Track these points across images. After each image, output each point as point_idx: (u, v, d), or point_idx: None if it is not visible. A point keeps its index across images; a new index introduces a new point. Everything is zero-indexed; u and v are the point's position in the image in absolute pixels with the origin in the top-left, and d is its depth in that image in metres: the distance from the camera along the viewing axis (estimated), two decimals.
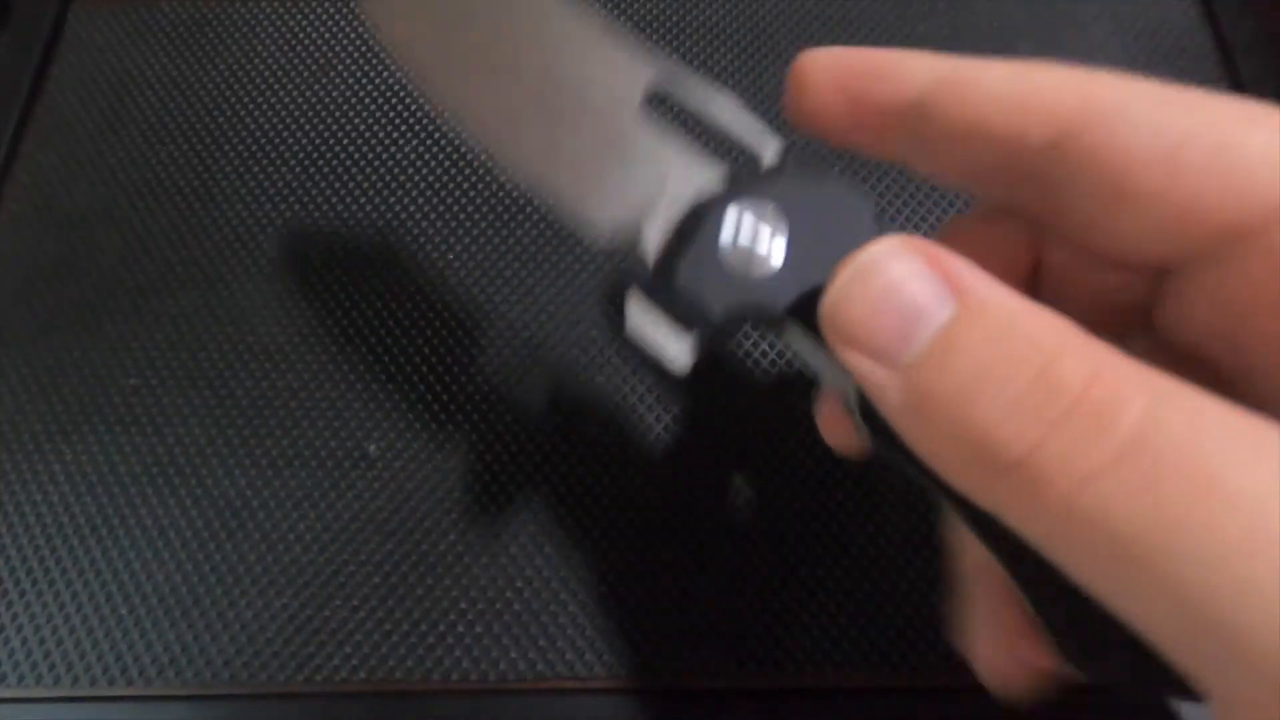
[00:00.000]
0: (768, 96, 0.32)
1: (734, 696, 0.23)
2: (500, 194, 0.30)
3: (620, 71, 0.17)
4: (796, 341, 0.16)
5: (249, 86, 0.32)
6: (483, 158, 0.19)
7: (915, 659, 0.23)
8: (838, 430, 0.17)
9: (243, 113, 0.32)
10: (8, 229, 0.29)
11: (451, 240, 0.29)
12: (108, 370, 0.27)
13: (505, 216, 0.30)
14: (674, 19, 0.34)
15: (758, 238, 0.15)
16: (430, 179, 0.30)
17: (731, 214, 0.15)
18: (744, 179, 0.16)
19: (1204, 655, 0.11)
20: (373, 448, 0.26)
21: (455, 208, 0.30)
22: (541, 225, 0.29)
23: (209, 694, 0.23)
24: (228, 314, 0.28)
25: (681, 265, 0.15)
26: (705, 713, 0.23)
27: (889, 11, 0.34)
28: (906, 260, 0.13)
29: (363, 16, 0.19)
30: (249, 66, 0.33)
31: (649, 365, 0.16)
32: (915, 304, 0.12)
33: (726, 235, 0.15)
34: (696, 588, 0.24)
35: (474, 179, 0.30)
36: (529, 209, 0.30)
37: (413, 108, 0.32)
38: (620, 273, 0.17)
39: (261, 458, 0.26)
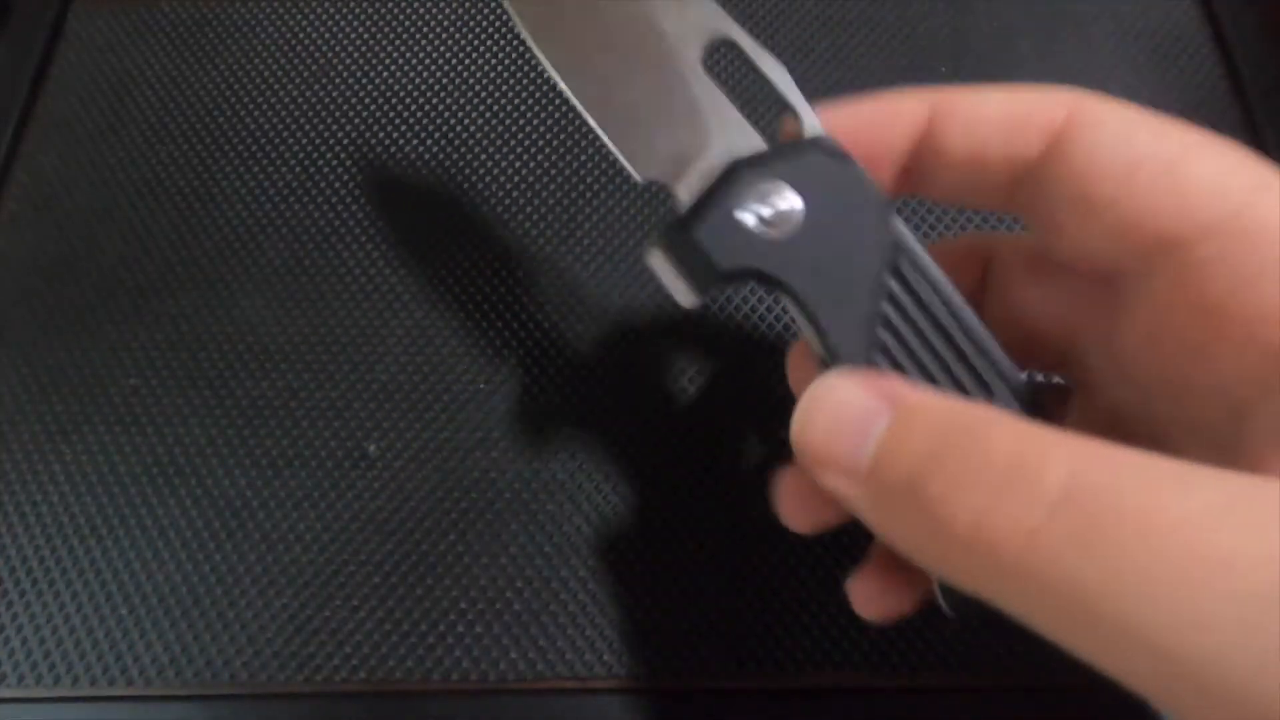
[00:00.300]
0: (768, 97, 0.31)
1: (734, 696, 0.23)
2: (500, 194, 0.30)
3: (688, 21, 0.18)
4: (791, 307, 0.17)
5: (249, 86, 0.32)
6: (553, 81, 0.19)
7: (915, 659, 0.23)
8: (796, 512, 0.18)
9: (243, 113, 0.32)
10: (8, 229, 0.29)
11: (451, 240, 0.29)
12: (108, 370, 0.27)
13: (505, 217, 0.30)
14: None
15: (776, 208, 0.16)
16: (430, 179, 0.30)
17: (758, 182, 0.16)
18: (778, 151, 0.17)
19: (1166, 688, 0.11)
20: (373, 448, 0.26)
21: (455, 208, 0.30)
22: (541, 225, 0.29)
23: (209, 694, 0.23)
24: (228, 314, 0.28)
25: (701, 223, 0.16)
26: (705, 713, 0.23)
27: (889, 12, 0.34)
28: (848, 386, 0.15)
29: None
30: (249, 66, 0.33)
31: (666, 296, 0.17)
32: (860, 419, 0.14)
33: (748, 201, 0.16)
34: (697, 588, 0.24)
35: (474, 179, 0.30)
36: (528, 209, 0.30)
37: (412, 108, 0.32)
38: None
39: (261, 458, 0.26)
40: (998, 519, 0.12)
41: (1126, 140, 0.15)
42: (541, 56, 0.19)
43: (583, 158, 0.31)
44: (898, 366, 0.16)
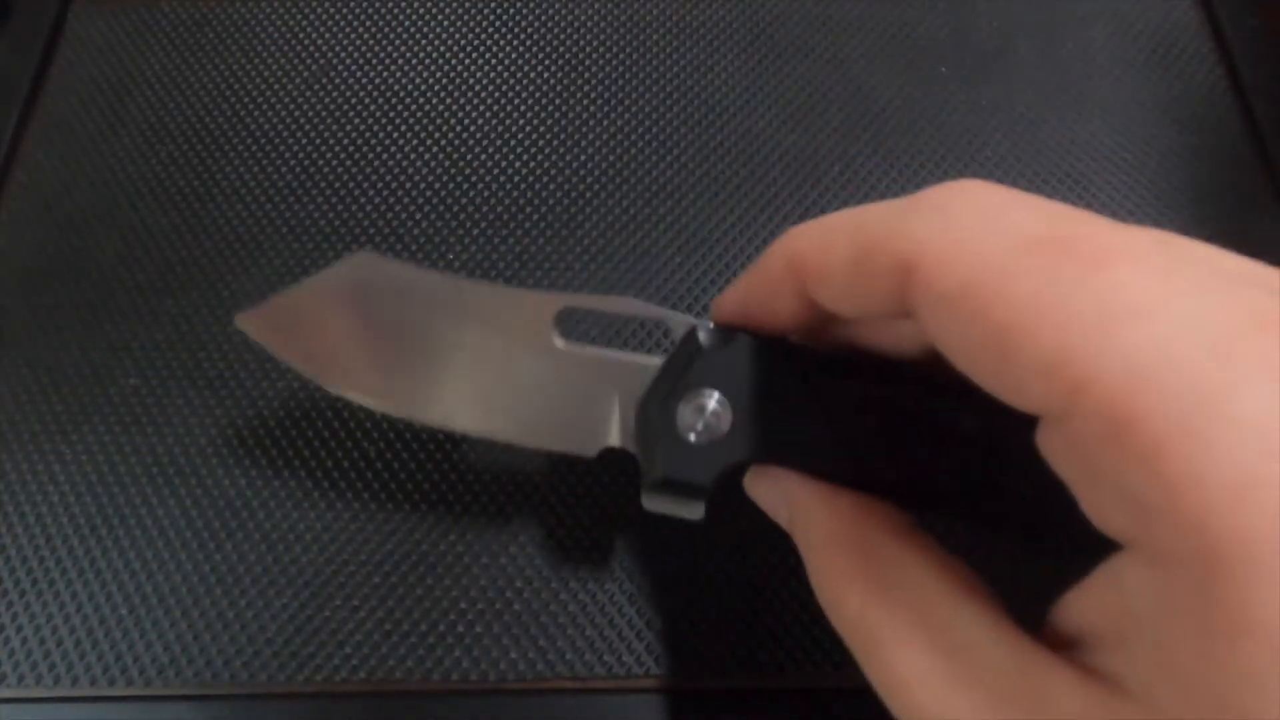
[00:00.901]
0: (767, 97, 0.32)
1: (734, 696, 0.23)
2: (500, 194, 0.30)
3: (526, 321, 0.20)
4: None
5: (249, 86, 0.32)
6: (467, 434, 0.21)
7: None
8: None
9: (243, 113, 0.32)
10: (8, 229, 0.29)
11: (451, 240, 0.29)
12: (108, 370, 0.27)
13: (505, 217, 0.30)
14: (674, 19, 0.34)
15: (707, 414, 0.18)
16: (430, 179, 0.30)
17: (683, 407, 0.18)
18: (676, 368, 0.18)
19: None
20: (372, 448, 0.26)
21: (455, 208, 0.30)
22: (541, 225, 0.29)
23: (209, 694, 0.23)
24: (228, 314, 0.28)
25: (664, 461, 0.18)
26: (705, 712, 0.23)
27: (889, 12, 0.34)
28: (760, 483, 0.19)
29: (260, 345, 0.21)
30: (249, 66, 0.33)
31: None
32: (773, 507, 0.19)
33: (685, 423, 0.18)
34: (697, 588, 0.24)
35: (474, 179, 0.30)
36: (528, 209, 0.30)
37: (412, 108, 0.32)
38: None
39: (261, 458, 0.26)
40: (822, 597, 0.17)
41: (967, 305, 0.13)
42: (441, 424, 0.20)
43: (582, 158, 0.31)
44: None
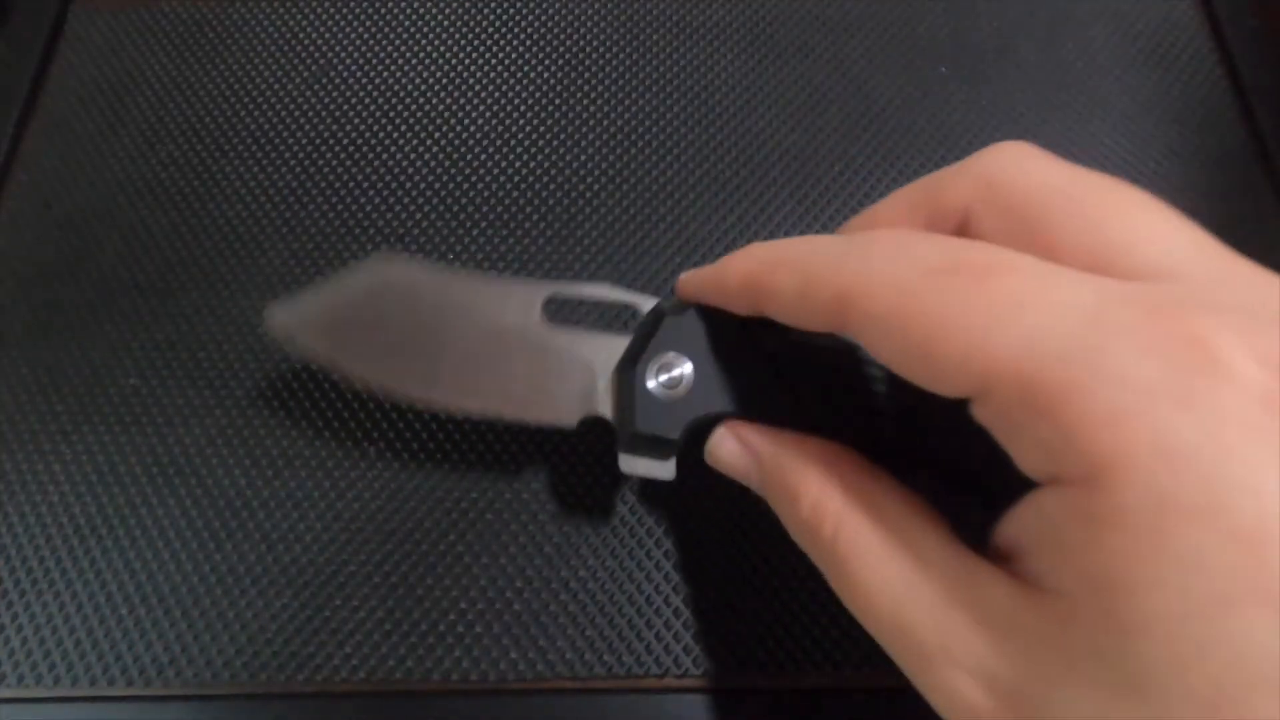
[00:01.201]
0: (767, 97, 0.32)
1: (734, 695, 0.23)
2: (500, 194, 0.30)
3: (515, 307, 0.22)
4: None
5: (249, 86, 0.32)
6: (459, 413, 0.23)
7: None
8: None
9: (243, 113, 0.32)
10: (8, 229, 0.29)
11: (451, 240, 0.29)
12: (108, 370, 0.27)
13: (505, 217, 0.30)
14: (674, 19, 0.34)
15: (672, 373, 0.20)
16: (430, 179, 0.30)
17: (649, 367, 0.20)
18: (640, 338, 0.21)
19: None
20: (373, 448, 0.26)
21: (455, 208, 0.30)
22: (541, 225, 0.29)
23: (209, 694, 0.23)
24: (228, 314, 0.28)
25: (635, 416, 0.20)
26: (705, 712, 0.23)
27: (889, 12, 0.34)
28: (724, 447, 0.20)
29: (280, 341, 0.23)
30: (249, 66, 0.33)
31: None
32: (741, 468, 0.20)
33: (652, 382, 0.20)
34: (696, 587, 0.24)
35: (473, 179, 0.30)
36: (528, 209, 0.30)
37: (412, 108, 0.32)
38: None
39: (261, 458, 0.26)
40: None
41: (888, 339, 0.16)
42: (435, 406, 0.22)
43: (582, 158, 0.31)
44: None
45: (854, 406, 0.20)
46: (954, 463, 0.19)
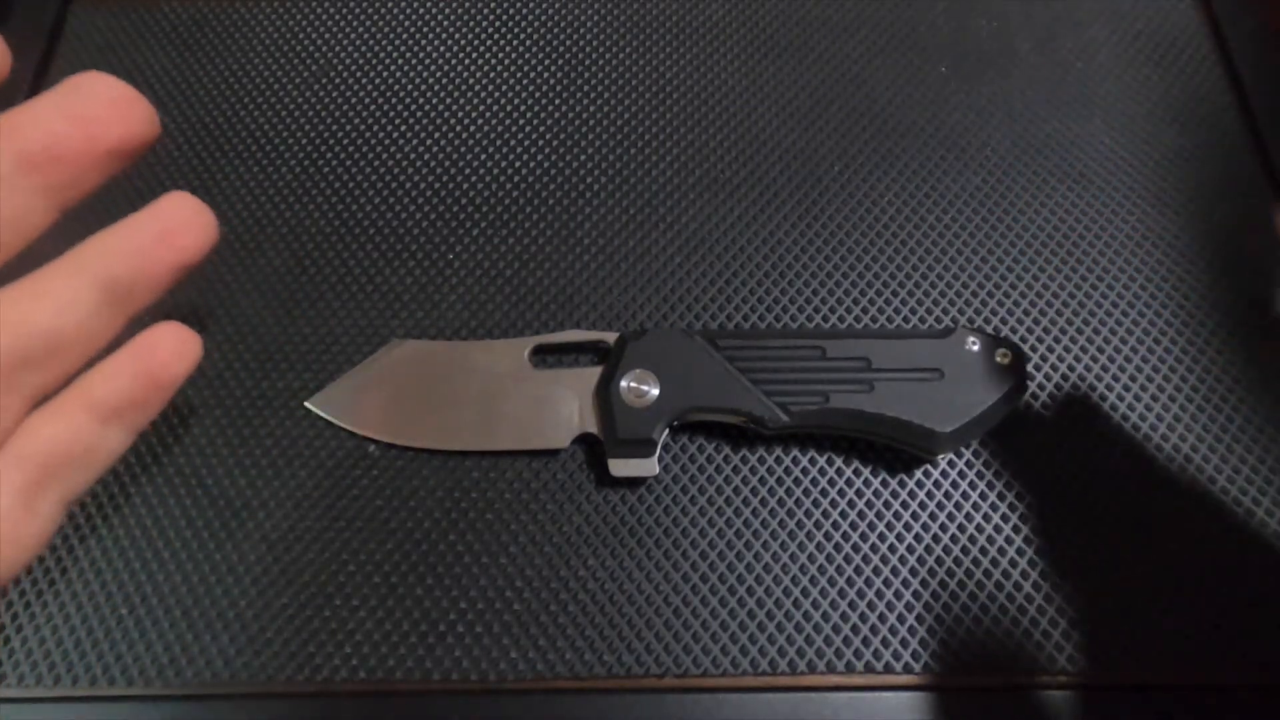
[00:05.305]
0: (767, 98, 0.32)
1: (735, 695, 0.23)
2: (500, 194, 0.30)
3: (505, 362, 0.26)
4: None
5: (249, 86, 0.32)
6: (468, 449, 0.26)
7: (918, 659, 0.23)
8: None
9: (243, 113, 0.32)
10: None
11: (451, 240, 0.29)
12: None
13: (505, 217, 0.30)
14: (674, 19, 0.34)
15: (642, 386, 0.25)
16: (430, 179, 0.30)
17: (623, 385, 0.25)
18: (613, 363, 0.25)
19: None
20: (373, 448, 0.26)
21: (455, 208, 0.30)
22: (541, 225, 0.29)
23: (209, 694, 0.23)
24: (228, 314, 0.28)
25: (617, 426, 0.24)
26: (705, 711, 0.23)
27: (889, 12, 0.34)
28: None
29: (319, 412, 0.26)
30: (249, 66, 0.33)
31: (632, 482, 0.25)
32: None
33: (628, 396, 0.25)
34: (694, 587, 0.24)
35: (473, 179, 0.30)
36: (528, 209, 0.30)
37: (412, 108, 0.32)
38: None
39: (261, 458, 0.26)
40: None
41: None
42: (457, 449, 0.26)
43: (582, 158, 0.31)
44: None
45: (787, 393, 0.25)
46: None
